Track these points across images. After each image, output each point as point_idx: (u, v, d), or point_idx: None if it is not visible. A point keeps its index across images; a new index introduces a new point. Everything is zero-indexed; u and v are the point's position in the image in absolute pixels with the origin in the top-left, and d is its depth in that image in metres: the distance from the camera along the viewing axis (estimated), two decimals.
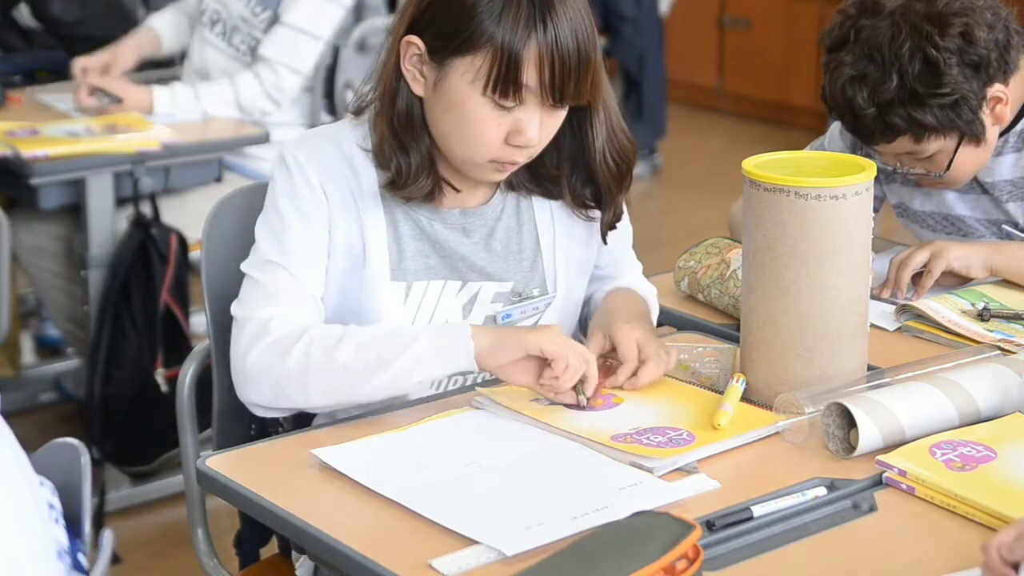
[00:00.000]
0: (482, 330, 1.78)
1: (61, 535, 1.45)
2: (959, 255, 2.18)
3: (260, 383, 1.80)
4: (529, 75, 1.75)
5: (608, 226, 1.96)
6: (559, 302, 1.96)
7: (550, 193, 1.95)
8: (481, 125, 1.79)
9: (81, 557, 1.48)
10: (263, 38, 3.56)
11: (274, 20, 3.56)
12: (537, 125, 1.80)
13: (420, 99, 1.84)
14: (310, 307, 1.85)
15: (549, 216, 1.96)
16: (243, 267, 1.88)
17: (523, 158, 1.84)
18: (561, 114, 1.83)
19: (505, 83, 1.75)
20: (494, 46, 1.74)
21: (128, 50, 3.70)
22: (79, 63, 3.63)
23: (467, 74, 1.77)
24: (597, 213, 1.95)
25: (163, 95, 3.50)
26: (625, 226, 2.03)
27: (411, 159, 1.84)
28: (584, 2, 1.81)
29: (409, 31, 1.81)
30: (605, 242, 1.98)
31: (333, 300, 1.88)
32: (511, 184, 1.94)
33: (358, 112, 1.91)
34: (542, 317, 1.95)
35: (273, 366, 1.79)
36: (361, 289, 1.88)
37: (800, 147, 2.27)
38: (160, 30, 3.78)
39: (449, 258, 1.91)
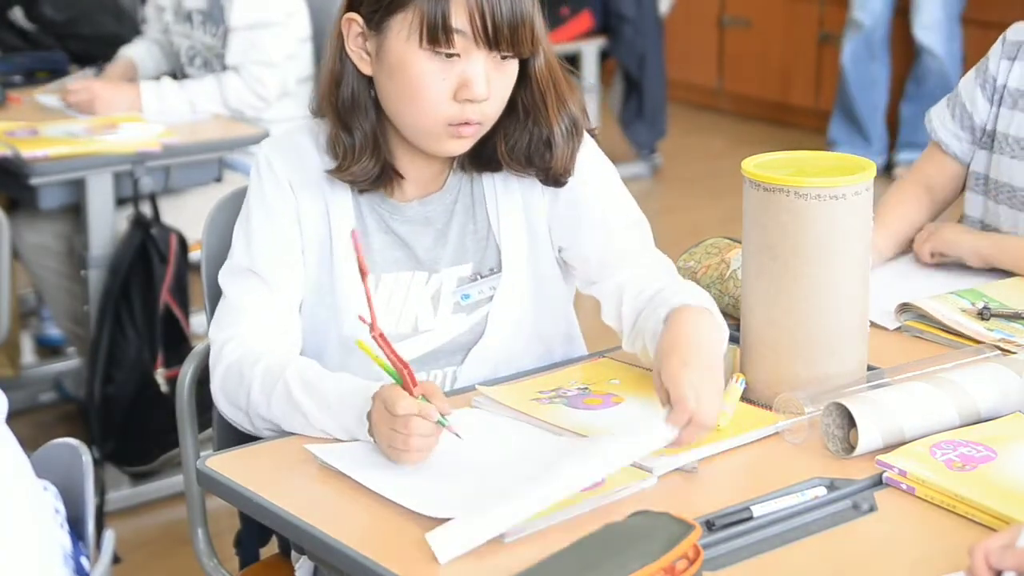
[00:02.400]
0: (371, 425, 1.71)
1: (65, 540, 1.45)
2: (945, 240, 2.29)
3: (224, 408, 1.86)
4: (459, 19, 1.77)
5: (560, 174, 1.91)
6: (508, 279, 1.94)
7: (487, 164, 1.93)
8: (425, 80, 1.80)
9: (83, 560, 1.48)
10: (225, 47, 3.58)
11: (225, 34, 3.59)
12: (483, 77, 1.80)
13: (366, 81, 1.86)
14: (273, 319, 1.87)
15: (494, 191, 1.95)
16: (219, 277, 1.91)
17: (476, 115, 1.83)
18: (509, 69, 1.84)
19: (436, 30, 1.77)
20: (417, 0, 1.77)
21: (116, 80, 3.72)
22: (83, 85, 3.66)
23: (402, 31, 1.79)
24: (534, 172, 1.92)
25: (150, 95, 3.52)
26: (616, 210, 1.97)
27: (355, 139, 1.86)
28: None
29: (350, 9, 1.84)
30: (561, 184, 1.93)
31: (309, 294, 1.91)
32: (461, 164, 1.94)
33: (318, 112, 1.92)
34: (496, 294, 1.94)
35: (229, 393, 1.84)
36: (333, 281, 1.90)
37: (800, 147, 2.27)
38: (136, 58, 3.81)
39: (413, 251, 1.92)
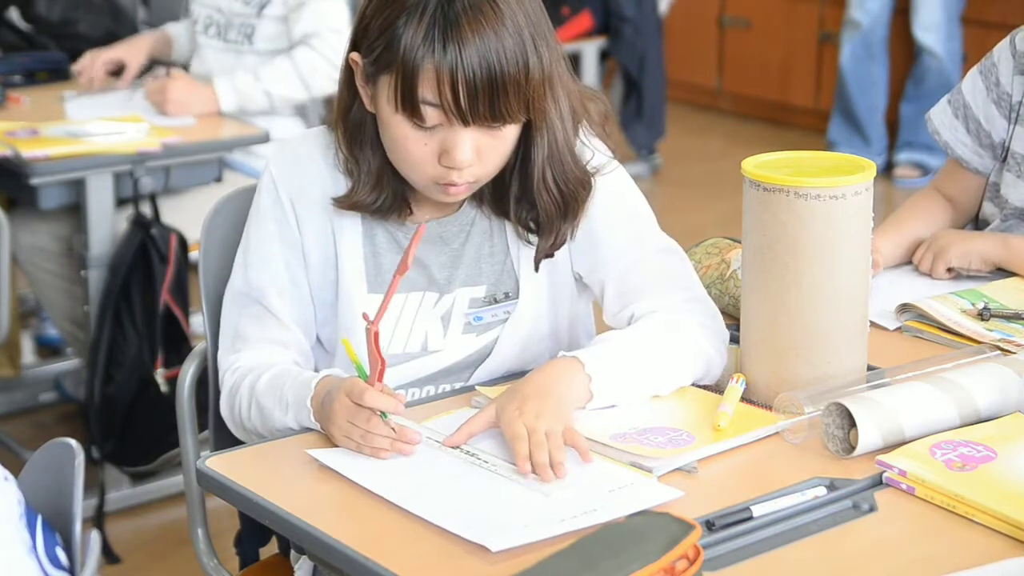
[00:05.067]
0: (318, 412, 1.73)
1: (25, 534, 1.45)
2: (957, 255, 2.23)
3: (235, 431, 1.90)
4: (426, 93, 1.71)
5: (543, 254, 1.88)
6: (525, 307, 1.91)
7: (497, 211, 1.89)
8: (407, 144, 1.76)
9: (60, 552, 1.48)
10: (292, 22, 3.53)
11: (265, 3, 3.55)
12: (466, 146, 1.74)
13: (372, 116, 1.82)
14: (270, 344, 1.87)
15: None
16: (224, 297, 1.92)
17: (461, 179, 1.77)
18: (503, 134, 1.76)
19: (405, 101, 1.72)
20: (396, 64, 1.72)
21: (141, 51, 3.72)
22: (90, 55, 3.68)
23: (385, 92, 1.75)
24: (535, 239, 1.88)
25: (226, 92, 3.50)
26: (637, 243, 1.91)
27: (361, 172, 1.83)
28: (517, 20, 1.72)
29: (353, 48, 1.80)
30: (537, 269, 1.89)
31: (314, 313, 1.91)
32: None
33: (332, 124, 1.89)
34: (510, 319, 1.92)
35: (234, 418, 1.88)
36: (338, 301, 1.89)
37: (800, 147, 2.26)
38: (175, 35, 3.81)
39: (428, 270, 1.90)
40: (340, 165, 1.87)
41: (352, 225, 1.88)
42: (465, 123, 1.73)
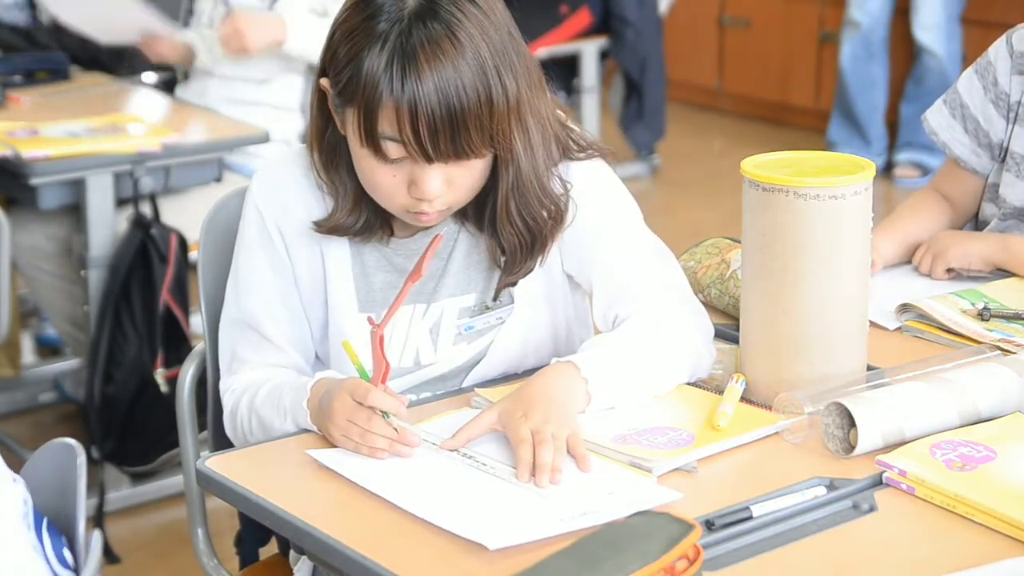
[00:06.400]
0: (315, 413, 1.73)
1: (30, 534, 1.46)
2: (957, 256, 2.23)
3: (240, 448, 1.86)
4: (385, 128, 1.69)
5: (504, 284, 1.87)
6: (520, 311, 1.90)
7: (479, 228, 1.87)
8: (376, 176, 1.75)
9: (66, 553, 1.48)
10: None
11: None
12: (434, 180, 1.72)
13: (346, 139, 1.80)
14: (267, 366, 1.87)
15: None
16: (220, 323, 1.92)
17: (431, 209, 1.76)
18: (472, 163, 1.74)
19: (368, 136, 1.70)
20: (359, 97, 1.70)
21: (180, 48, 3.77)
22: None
23: (351, 124, 1.74)
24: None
25: (295, 27, 3.51)
26: (623, 246, 1.89)
27: (338, 195, 1.82)
28: (479, 51, 1.69)
29: (322, 73, 1.78)
30: (495, 298, 1.88)
31: (311, 332, 1.91)
32: None
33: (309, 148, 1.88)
34: (505, 325, 1.90)
35: (238, 437, 1.88)
36: (330, 321, 1.88)
37: (800, 147, 2.26)
38: (190, 40, 3.82)
39: (417, 283, 1.89)
40: (323, 186, 1.86)
41: (340, 246, 1.87)
42: (428, 159, 1.71)
